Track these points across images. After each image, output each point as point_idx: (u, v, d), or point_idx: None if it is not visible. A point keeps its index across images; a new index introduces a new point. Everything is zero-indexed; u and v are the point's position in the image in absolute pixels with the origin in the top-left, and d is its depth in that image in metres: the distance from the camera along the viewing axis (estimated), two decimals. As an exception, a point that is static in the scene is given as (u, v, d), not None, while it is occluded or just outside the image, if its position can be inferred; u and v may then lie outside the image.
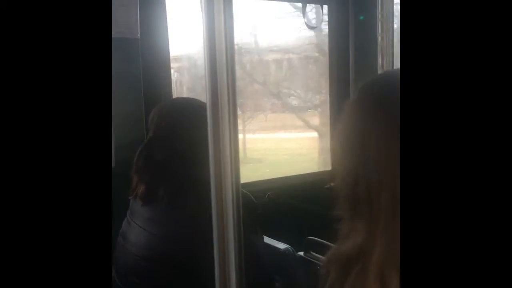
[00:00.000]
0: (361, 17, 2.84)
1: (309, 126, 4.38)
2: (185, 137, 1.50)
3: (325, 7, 2.84)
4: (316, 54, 3.51)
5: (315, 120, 4.13)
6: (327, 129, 3.15)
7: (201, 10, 0.70)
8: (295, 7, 3.23)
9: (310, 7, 2.89)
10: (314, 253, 1.96)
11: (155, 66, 2.27)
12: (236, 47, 0.75)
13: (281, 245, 2.05)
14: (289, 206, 2.63)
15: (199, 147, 1.39)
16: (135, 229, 1.52)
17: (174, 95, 2.44)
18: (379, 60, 1.63)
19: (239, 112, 0.76)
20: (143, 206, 1.50)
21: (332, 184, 2.88)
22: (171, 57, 2.37)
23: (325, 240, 1.99)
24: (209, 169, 0.72)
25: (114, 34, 2.07)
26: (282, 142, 6.06)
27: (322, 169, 3.10)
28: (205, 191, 0.72)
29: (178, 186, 1.47)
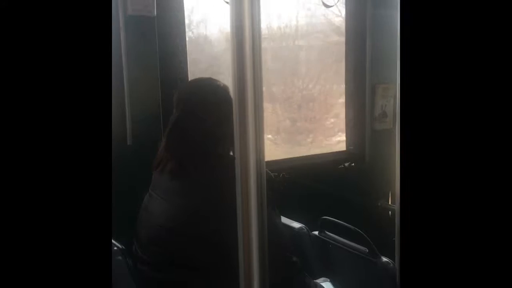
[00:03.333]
0: None
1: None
2: (214, 114, 1.54)
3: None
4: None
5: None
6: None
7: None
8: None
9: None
10: (328, 233, 1.97)
11: (171, 45, 2.27)
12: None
13: (296, 224, 2.06)
14: (304, 186, 2.65)
15: (226, 123, 1.44)
16: (160, 201, 1.56)
17: (190, 74, 2.45)
18: (399, 40, 1.61)
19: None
20: (172, 180, 1.54)
21: (346, 164, 2.88)
22: (187, 37, 2.38)
23: (339, 219, 2.01)
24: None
25: (130, 11, 2.08)
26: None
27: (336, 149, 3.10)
28: (233, 165, 0.73)
29: (208, 160, 1.51)
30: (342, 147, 3.04)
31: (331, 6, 2.92)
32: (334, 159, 2.91)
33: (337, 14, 3.13)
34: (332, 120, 4.27)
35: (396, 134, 1.60)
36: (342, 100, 3.05)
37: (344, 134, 3.01)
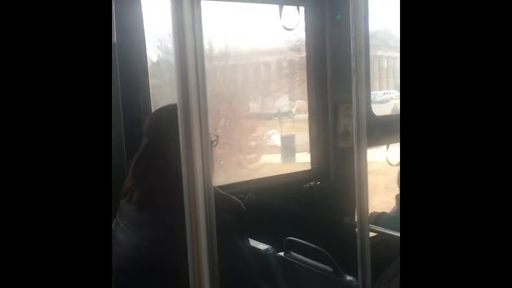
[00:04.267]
0: (338, 16, 2.86)
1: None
2: (170, 143, 1.52)
3: (302, 8, 2.86)
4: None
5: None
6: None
7: (170, 14, 0.71)
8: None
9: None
10: (294, 253, 1.98)
11: (132, 71, 2.26)
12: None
13: (262, 246, 2.06)
14: (270, 206, 2.65)
15: None
16: (126, 231, 1.53)
17: (152, 100, 2.44)
18: (353, 64, 1.65)
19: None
20: (139, 210, 1.51)
21: (311, 183, 2.88)
22: (148, 62, 2.37)
23: (304, 239, 2.01)
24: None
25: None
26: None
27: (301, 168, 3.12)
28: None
29: (176, 190, 1.49)
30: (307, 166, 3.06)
31: (292, 29, 2.97)
32: (299, 178, 2.93)
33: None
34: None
35: (355, 152, 1.62)
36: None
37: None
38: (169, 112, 1.67)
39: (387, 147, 3.12)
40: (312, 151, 3.01)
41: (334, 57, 2.87)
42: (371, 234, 2.09)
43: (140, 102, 2.29)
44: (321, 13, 2.87)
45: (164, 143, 1.54)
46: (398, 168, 3.05)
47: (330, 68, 2.89)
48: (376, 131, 2.91)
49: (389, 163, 3.23)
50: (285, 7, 2.77)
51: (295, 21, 2.88)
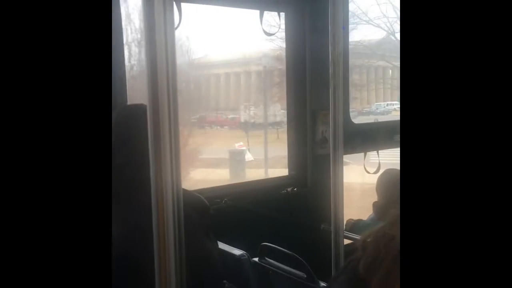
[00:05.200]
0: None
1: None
2: (141, 141, 1.52)
3: (282, 14, 2.87)
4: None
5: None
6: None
7: (141, 17, 0.71)
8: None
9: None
10: (268, 259, 1.97)
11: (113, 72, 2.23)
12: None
13: (237, 251, 2.05)
14: (246, 212, 2.64)
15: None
16: None
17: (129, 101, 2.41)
18: (331, 68, 1.66)
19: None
20: None
21: (288, 189, 2.89)
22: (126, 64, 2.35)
23: (280, 245, 2.00)
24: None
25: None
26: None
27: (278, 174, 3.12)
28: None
29: (136, 189, 1.48)
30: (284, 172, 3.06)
31: (272, 34, 2.97)
32: (277, 184, 2.93)
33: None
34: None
35: (331, 159, 1.63)
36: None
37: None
38: (127, 112, 1.68)
39: (365, 155, 3.14)
40: (289, 157, 3.01)
41: (314, 63, 2.88)
42: (347, 241, 2.10)
43: (116, 105, 2.27)
44: (301, 19, 2.89)
45: (123, 142, 1.54)
46: (376, 176, 3.07)
47: (310, 74, 2.90)
48: (355, 138, 2.93)
49: (366, 171, 3.25)
50: (266, 13, 2.78)
51: (276, 26, 2.90)
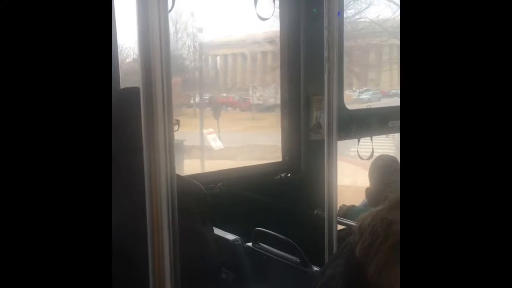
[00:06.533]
0: (314, 10, 2.85)
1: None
2: (130, 127, 1.48)
3: (277, -1, 2.84)
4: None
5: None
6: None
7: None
8: None
9: None
10: (262, 244, 1.98)
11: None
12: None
13: (230, 236, 2.06)
14: (240, 197, 2.64)
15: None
16: None
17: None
18: (325, 53, 1.65)
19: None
20: None
21: (282, 175, 2.89)
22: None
23: (273, 231, 2.01)
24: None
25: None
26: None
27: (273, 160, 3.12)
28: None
29: (129, 173, 1.47)
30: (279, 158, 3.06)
31: (267, 19, 2.95)
32: (270, 170, 2.93)
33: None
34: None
35: (325, 145, 1.63)
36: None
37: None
38: (118, 97, 1.65)
39: (358, 141, 3.14)
40: (283, 143, 3.01)
41: (309, 49, 2.87)
42: (340, 226, 2.11)
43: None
44: (296, 4, 2.86)
45: (119, 126, 1.50)
46: (369, 162, 3.08)
47: (304, 60, 2.89)
48: (349, 124, 2.93)
49: (360, 157, 3.26)
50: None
51: (270, 11, 2.87)
